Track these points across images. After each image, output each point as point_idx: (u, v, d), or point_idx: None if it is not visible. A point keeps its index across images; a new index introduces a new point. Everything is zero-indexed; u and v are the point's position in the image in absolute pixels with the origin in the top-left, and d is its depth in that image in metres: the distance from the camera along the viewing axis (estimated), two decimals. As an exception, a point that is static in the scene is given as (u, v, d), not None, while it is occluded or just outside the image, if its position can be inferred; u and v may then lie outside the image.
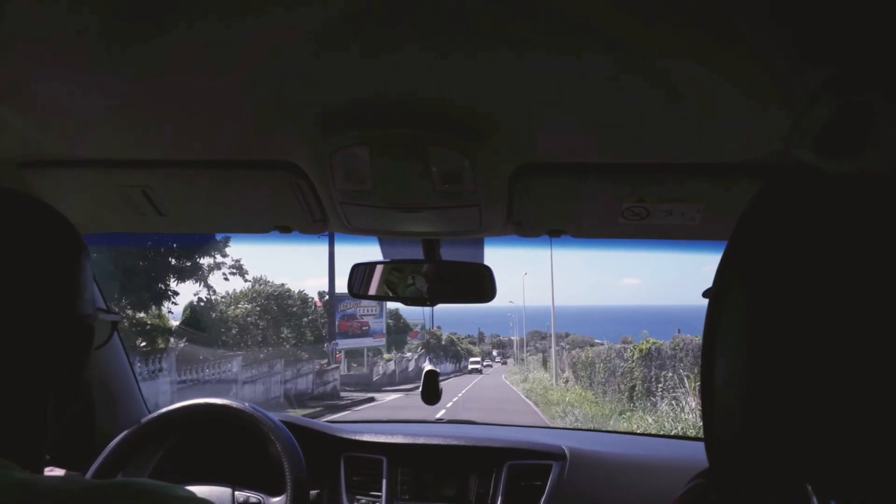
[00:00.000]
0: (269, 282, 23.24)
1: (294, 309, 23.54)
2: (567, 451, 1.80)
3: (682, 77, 0.74)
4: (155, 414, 1.60)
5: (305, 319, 24.02)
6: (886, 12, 0.61)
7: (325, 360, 21.99)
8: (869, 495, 0.41)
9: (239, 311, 20.70)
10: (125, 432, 1.55)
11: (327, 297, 25.77)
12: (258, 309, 21.33)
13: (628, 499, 1.73)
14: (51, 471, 0.82)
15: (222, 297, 20.22)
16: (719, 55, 0.69)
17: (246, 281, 20.76)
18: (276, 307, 22.34)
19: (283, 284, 24.41)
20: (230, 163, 1.07)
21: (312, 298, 25.27)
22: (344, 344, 25.41)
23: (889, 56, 0.66)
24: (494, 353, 63.92)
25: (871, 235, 0.43)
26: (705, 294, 0.55)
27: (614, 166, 1.00)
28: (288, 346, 21.59)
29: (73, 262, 0.67)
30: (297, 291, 24.20)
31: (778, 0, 0.60)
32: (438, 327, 46.43)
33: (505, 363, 58.01)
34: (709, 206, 1.07)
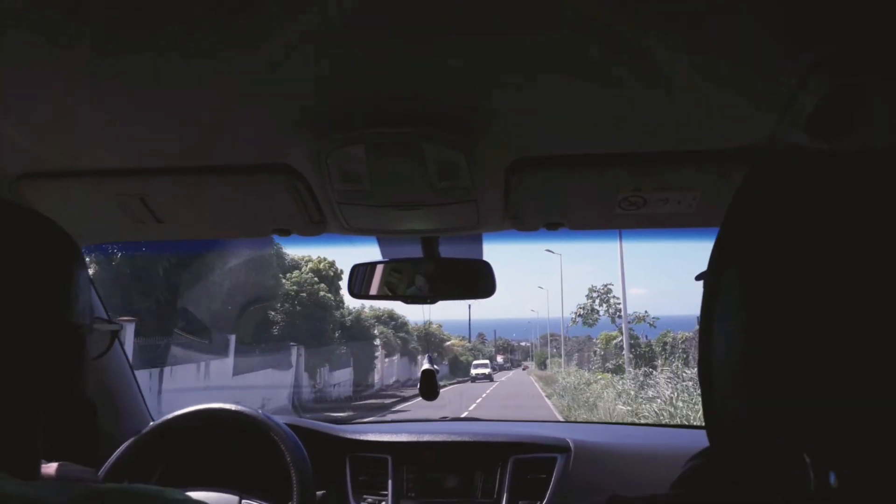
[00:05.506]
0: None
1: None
2: (571, 444, 1.80)
3: (674, 63, 0.74)
4: (163, 419, 1.60)
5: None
6: None
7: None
8: (867, 466, 0.41)
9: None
10: (133, 438, 1.55)
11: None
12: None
13: (633, 488, 1.73)
14: (43, 466, 0.82)
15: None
16: (711, 40, 0.69)
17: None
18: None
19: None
20: (227, 168, 1.07)
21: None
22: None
23: (881, 35, 0.67)
24: (500, 359, 53.76)
25: (863, 209, 0.44)
26: (699, 277, 0.55)
27: (610, 156, 1.00)
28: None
29: (66, 271, 0.67)
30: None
31: None
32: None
33: (525, 368, 47.91)
34: (705, 192, 1.07)
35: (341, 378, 23.52)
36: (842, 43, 0.69)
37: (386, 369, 28.99)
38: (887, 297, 0.41)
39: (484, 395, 23.98)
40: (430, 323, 39.37)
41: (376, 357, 27.41)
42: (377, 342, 27.97)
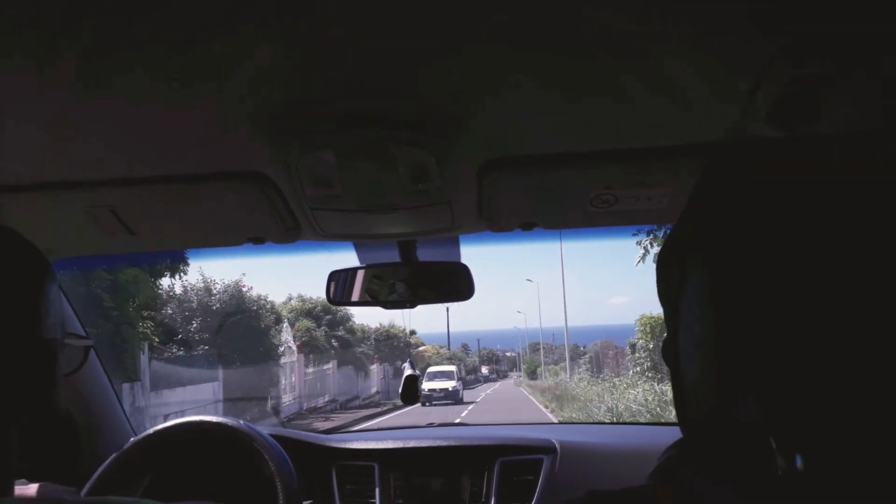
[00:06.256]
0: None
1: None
2: (557, 445, 1.81)
3: (640, 60, 0.75)
4: (145, 433, 1.58)
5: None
6: None
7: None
8: (834, 449, 0.42)
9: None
10: (115, 454, 1.53)
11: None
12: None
13: (619, 485, 1.74)
14: (24, 487, 0.81)
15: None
16: (674, 34, 0.70)
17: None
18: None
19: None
20: (198, 176, 1.07)
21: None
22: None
23: (841, 24, 0.68)
24: (485, 370, 50.46)
25: (822, 194, 0.45)
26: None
27: (580, 155, 1.01)
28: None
29: (35, 286, 0.67)
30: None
31: None
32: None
33: (518, 378, 43.35)
34: (675, 188, 1.09)
35: (203, 395, 13.36)
36: (802, 32, 0.70)
37: (307, 384, 18.66)
38: (852, 278, 0.42)
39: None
40: (393, 325, 29.09)
41: (282, 366, 16.90)
42: (286, 339, 17.32)
